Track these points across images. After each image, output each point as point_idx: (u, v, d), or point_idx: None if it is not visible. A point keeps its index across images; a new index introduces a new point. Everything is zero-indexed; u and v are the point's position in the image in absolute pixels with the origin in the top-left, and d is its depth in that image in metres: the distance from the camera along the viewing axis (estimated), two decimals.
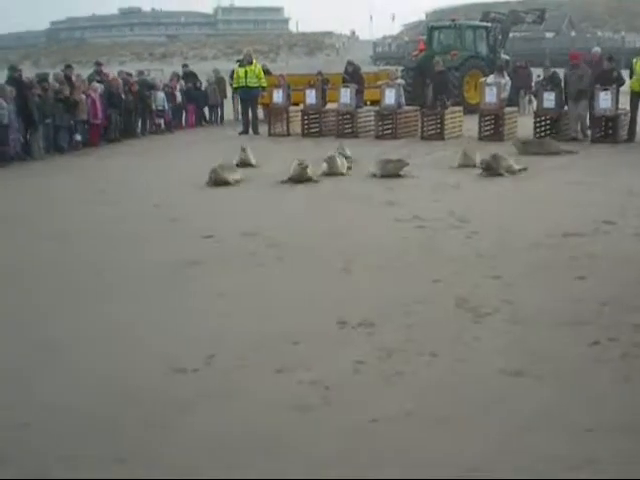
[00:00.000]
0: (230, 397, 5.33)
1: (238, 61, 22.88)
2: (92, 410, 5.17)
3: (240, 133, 21.38)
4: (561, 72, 19.23)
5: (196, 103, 24.27)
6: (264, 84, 21.68)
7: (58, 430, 4.91)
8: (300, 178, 13.17)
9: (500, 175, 13.34)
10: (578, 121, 17.92)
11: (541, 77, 19.91)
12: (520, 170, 13.82)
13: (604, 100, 17.14)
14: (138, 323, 6.86)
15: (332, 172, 13.81)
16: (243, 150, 15.44)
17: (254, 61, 22.00)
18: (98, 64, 22.41)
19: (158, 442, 4.74)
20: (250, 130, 21.42)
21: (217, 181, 13.34)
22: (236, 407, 5.18)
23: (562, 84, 18.24)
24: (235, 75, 21.94)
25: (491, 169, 13.43)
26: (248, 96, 21.48)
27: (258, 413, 5.08)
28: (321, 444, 4.67)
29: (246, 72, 21.26)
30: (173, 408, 5.17)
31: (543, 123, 18.27)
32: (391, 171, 13.68)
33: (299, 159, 13.60)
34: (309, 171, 13.30)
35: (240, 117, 22.48)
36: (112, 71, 24.33)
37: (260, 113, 22.46)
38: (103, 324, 6.85)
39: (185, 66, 26.23)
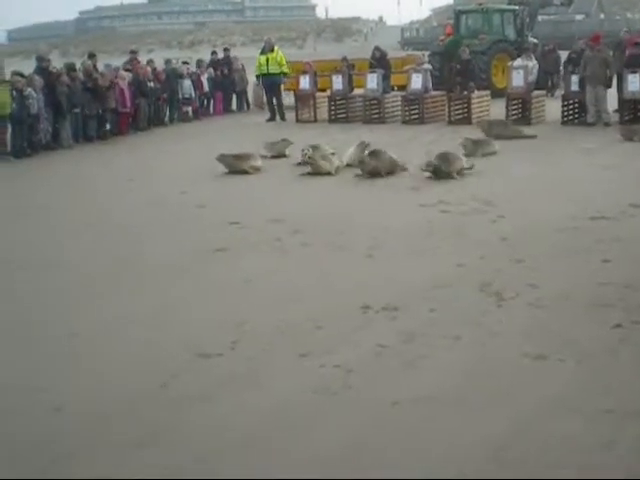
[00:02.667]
0: (254, 381, 5.40)
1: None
2: (118, 395, 5.26)
3: (267, 120, 21.44)
4: None
5: (223, 90, 24.31)
6: (286, 70, 21.67)
7: (85, 414, 5.01)
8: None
9: (452, 178, 12.11)
10: (596, 105, 17.62)
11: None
12: (469, 168, 12.75)
13: (632, 83, 16.94)
14: (164, 309, 6.96)
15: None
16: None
17: (275, 48, 21.99)
18: (133, 52, 22.50)
19: (181, 427, 4.82)
20: (277, 117, 21.45)
21: (231, 168, 13.50)
22: (260, 391, 5.25)
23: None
24: (257, 63, 21.91)
25: (439, 172, 12.16)
26: (271, 83, 21.47)
27: (281, 397, 5.14)
28: (343, 427, 4.73)
29: (267, 59, 21.27)
30: (197, 393, 5.24)
31: (570, 106, 18.12)
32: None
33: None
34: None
35: (251, 104, 22.41)
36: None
37: (291, 99, 22.39)
38: (130, 311, 6.95)
39: (214, 53, 26.12)
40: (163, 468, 4.35)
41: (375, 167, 12.54)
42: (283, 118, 21.45)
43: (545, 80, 22.99)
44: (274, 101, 21.70)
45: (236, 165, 13.48)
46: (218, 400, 5.13)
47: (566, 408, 4.84)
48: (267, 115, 21.77)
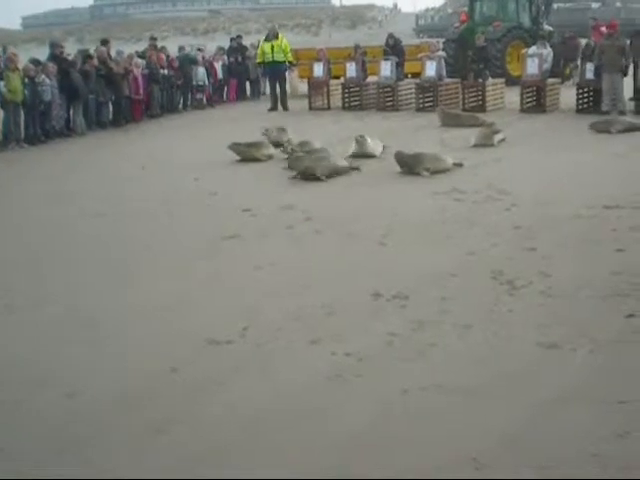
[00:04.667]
0: (264, 368, 5.39)
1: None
2: (132, 381, 5.27)
3: (269, 110, 21.00)
4: None
5: (238, 78, 24.27)
6: (290, 59, 21.43)
7: (102, 400, 5.02)
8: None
9: (418, 174, 11.49)
10: (612, 94, 17.49)
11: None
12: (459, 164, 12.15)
13: None
14: (176, 295, 6.97)
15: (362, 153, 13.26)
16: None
17: (280, 35, 21.64)
18: (153, 39, 22.43)
19: (194, 414, 4.82)
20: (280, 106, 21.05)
21: (243, 156, 13.43)
22: (270, 378, 5.24)
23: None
24: (260, 50, 21.62)
25: (406, 166, 11.72)
26: (275, 72, 21.14)
27: (291, 384, 5.13)
28: (354, 414, 4.72)
29: (272, 47, 20.89)
30: (208, 380, 5.24)
31: (585, 94, 18.01)
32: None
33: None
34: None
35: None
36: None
37: (305, 87, 22.21)
38: (143, 297, 6.97)
39: (233, 39, 25.92)
40: (177, 453, 4.36)
41: (308, 167, 11.67)
42: (286, 108, 20.95)
43: (564, 68, 22.82)
44: (278, 90, 21.27)
45: (248, 153, 13.45)
46: (229, 387, 5.13)
47: (579, 397, 4.81)
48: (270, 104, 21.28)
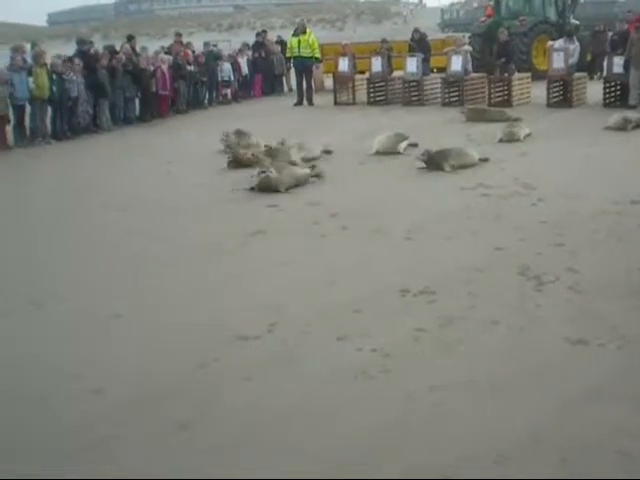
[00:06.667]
0: (291, 364, 5.40)
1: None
2: (158, 377, 5.29)
3: (295, 104, 21.13)
4: None
5: (263, 73, 24.30)
6: (318, 54, 21.38)
7: (127, 396, 5.04)
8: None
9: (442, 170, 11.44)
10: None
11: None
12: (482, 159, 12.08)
13: None
14: (203, 291, 7.00)
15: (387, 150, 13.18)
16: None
17: (308, 30, 21.64)
18: (178, 34, 22.52)
19: (220, 409, 4.84)
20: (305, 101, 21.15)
21: (237, 161, 12.49)
22: (297, 374, 5.25)
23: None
24: (288, 45, 21.74)
25: (432, 164, 11.56)
26: (302, 66, 21.16)
27: (318, 380, 5.14)
28: (381, 411, 4.72)
29: (299, 42, 20.96)
30: (235, 375, 5.25)
31: (612, 89, 17.88)
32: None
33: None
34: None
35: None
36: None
37: (330, 82, 22.23)
38: (170, 292, 7.00)
39: (258, 34, 25.96)
40: (204, 448, 4.38)
41: (268, 182, 10.56)
42: (311, 102, 21.09)
43: (592, 62, 22.67)
44: (304, 84, 21.32)
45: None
46: (256, 382, 5.14)
47: (607, 394, 4.79)
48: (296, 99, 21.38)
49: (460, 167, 11.56)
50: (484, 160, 12.01)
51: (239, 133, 13.93)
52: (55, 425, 4.72)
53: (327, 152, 13.27)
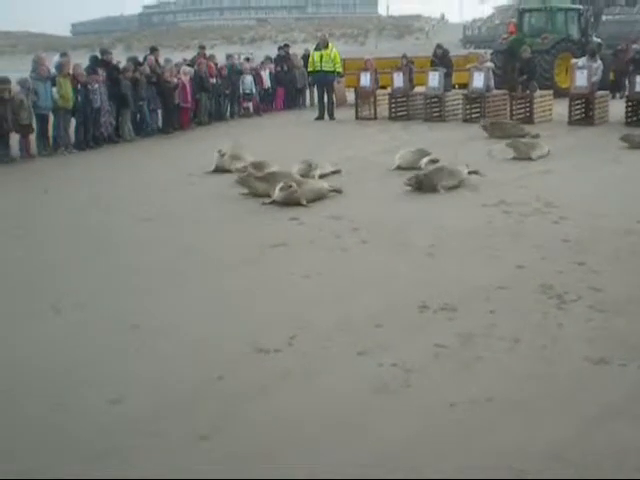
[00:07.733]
0: (310, 378, 5.40)
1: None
2: (177, 388, 5.30)
3: (316, 119, 21.12)
4: None
5: (285, 86, 24.37)
6: (339, 69, 21.42)
7: (146, 406, 5.05)
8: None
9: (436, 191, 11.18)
10: None
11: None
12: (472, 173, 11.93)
13: None
14: (223, 302, 7.01)
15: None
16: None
17: (330, 45, 21.64)
18: (202, 47, 22.57)
19: (239, 421, 4.84)
20: (326, 116, 21.11)
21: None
22: (316, 388, 5.25)
23: None
24: (310, 59, 21.71)
25: (425, 187, 11.21)
26: (324, 81, 21.15)
27: (338, 395, 5.13)
28: (401, 426, 4.70)
29: (322, 56, 20.95)
30: (254, 388, 5.25)
31: (635, 108, 17.83)
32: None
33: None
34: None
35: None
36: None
37: (352, 96, 22.26)
38: (190, 303, 7.01)
39: (280, 48, 26.02)
40: (224, 459, 4.39)
41: (293, 197, 10.60)
42: (332, 117, 21.07)
43: (615, 80, 22.60)
44: (325, 99, 21.34)
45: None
46: (275, 396, 5.14)
47: (629, 414, 4.77)
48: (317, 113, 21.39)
49: (453, 187, 11.37)
50: (474, 173, 11.90)
51: (235, 148, 13.83)
52: (73, 432, 4.73)
53: (335, 172, 12.95)
